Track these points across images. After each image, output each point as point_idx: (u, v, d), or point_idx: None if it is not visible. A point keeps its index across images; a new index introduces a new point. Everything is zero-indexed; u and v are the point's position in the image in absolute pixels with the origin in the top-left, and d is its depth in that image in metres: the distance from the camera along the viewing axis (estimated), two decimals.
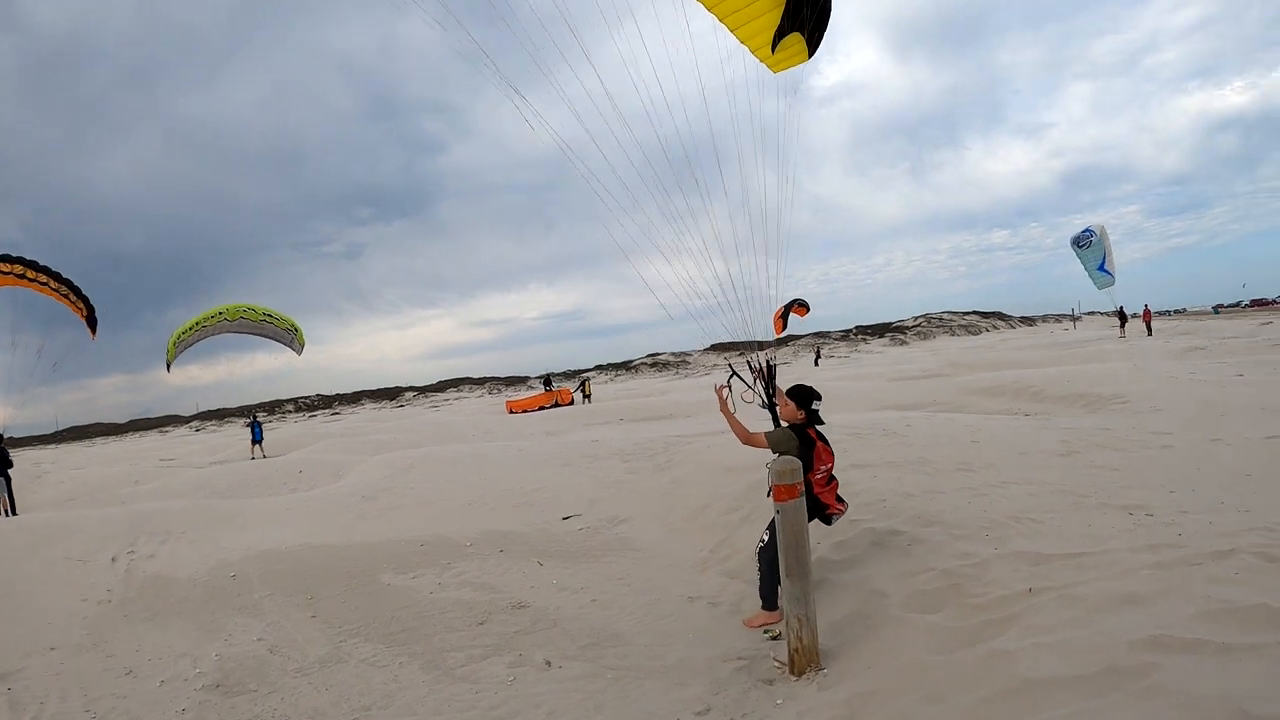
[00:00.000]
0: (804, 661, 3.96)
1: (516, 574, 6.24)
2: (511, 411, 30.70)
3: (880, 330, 61.67)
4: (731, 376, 5.12)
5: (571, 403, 31.93)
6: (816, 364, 41.84)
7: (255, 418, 25.61)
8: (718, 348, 62.81)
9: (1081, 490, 5.51)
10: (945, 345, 47.86)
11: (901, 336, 58.34)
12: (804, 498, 4.06)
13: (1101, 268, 29.44)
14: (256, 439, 22.59)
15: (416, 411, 46.08)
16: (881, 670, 3.71)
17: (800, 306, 37.56)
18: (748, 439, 4.57)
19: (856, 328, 63.39)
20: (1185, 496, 5.13)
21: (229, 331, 16.48)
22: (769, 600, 4.62)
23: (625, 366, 62.07)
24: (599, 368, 61.01)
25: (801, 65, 5.13)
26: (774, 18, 4.86)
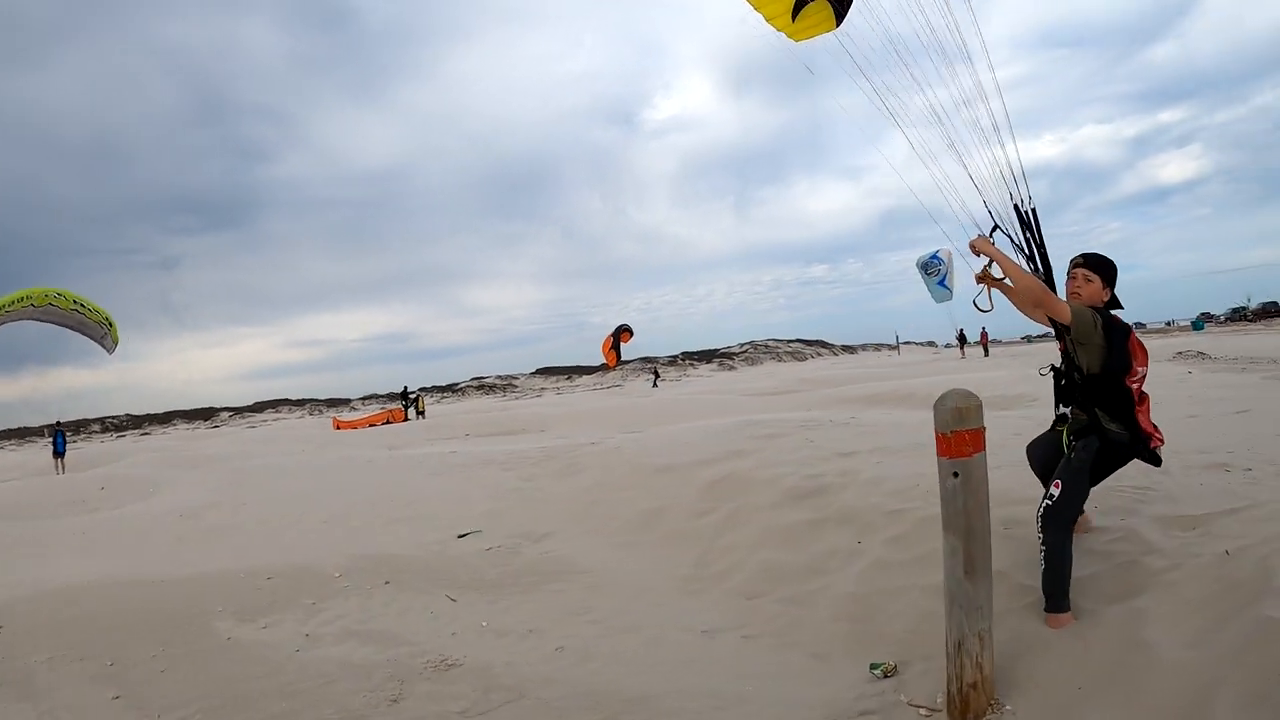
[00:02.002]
0: (981, 701, 2.49)
1: (421, 615, 4.23)
2: (339, 429, 27.10)
3: (708, 356, 62.39)
4: (995, 229, 3.38)
5: (405, 419, 28.88)
6: (655, 385, 41.43)
7: (59, 425, 22.29)
8: (544, 371, 61.99)
9: None
10: (776, 370, 49.76)
11: (729, 362, 59.26)
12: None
13: (942, 283, 31.04)
14: (59, 451, 19.69)
15: (235, 431, 40.65)
16: (1099, 689, 2.34)
17: (625, 332, 37.16)
18: (1043, 298, 2.93)
19: (683, 353, 63.70)
20: None
21: (34, 319, 12.99)
22: (1058, 595, 2.84)
23: (451, 389, 59.26)
24: (424, 390, 57.57)
25: (824, 36, 4.35)
26: None
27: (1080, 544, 3.06)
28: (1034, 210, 3.39)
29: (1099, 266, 3.04)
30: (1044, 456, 3.14)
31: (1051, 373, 3.16)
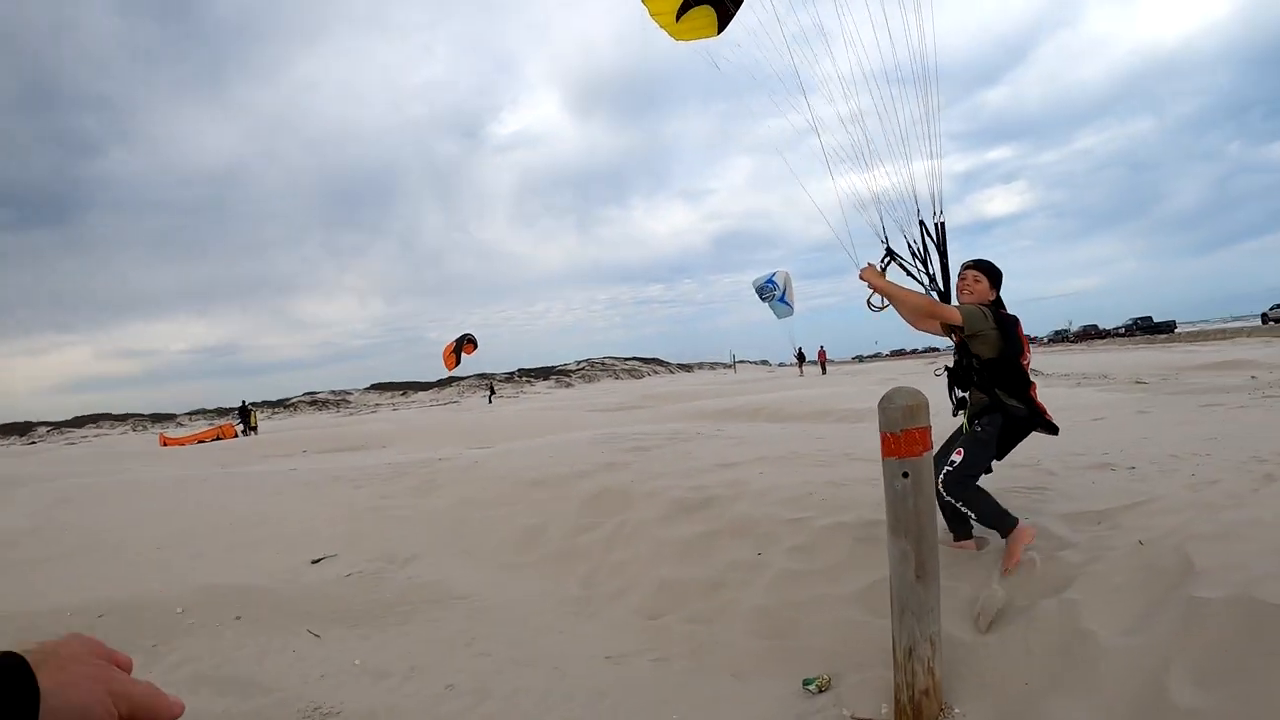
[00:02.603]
0: (933, 708, 2.40)
1: (283, 656, 3.56)
2: (166, 445, 23.79)
3: (545, 373, 62.35)
4: (887, 259, 3.67)
5: (236, 436, 25.94)
6: (490, 400, 40.31)
7: None
8: (379, 387, 58.90)
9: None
10: (615, 386, 50.16)
11: (567, 379, 59.41)
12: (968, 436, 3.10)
13: (782, 299, 32.41)
14: None
15: (53, 448, 34.66)
16: (1049, 683, 2.35)
17: (469, 343, 36.09)
18: (933, 310, 3.32)
19: (520, 370, 63.40)
20: None
21: None
22: (1001, 519, 3.11)
23: (283, 405, 54.85)
24: (254, 405, 53.23)
25: (708, 40, 4.47)
26: None
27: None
28: (942, 225, 3.61)
29: (986, 270, 3.44)
30: (945, 455, 3.32)
31: (946, 373, 3.48)
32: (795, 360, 37.96)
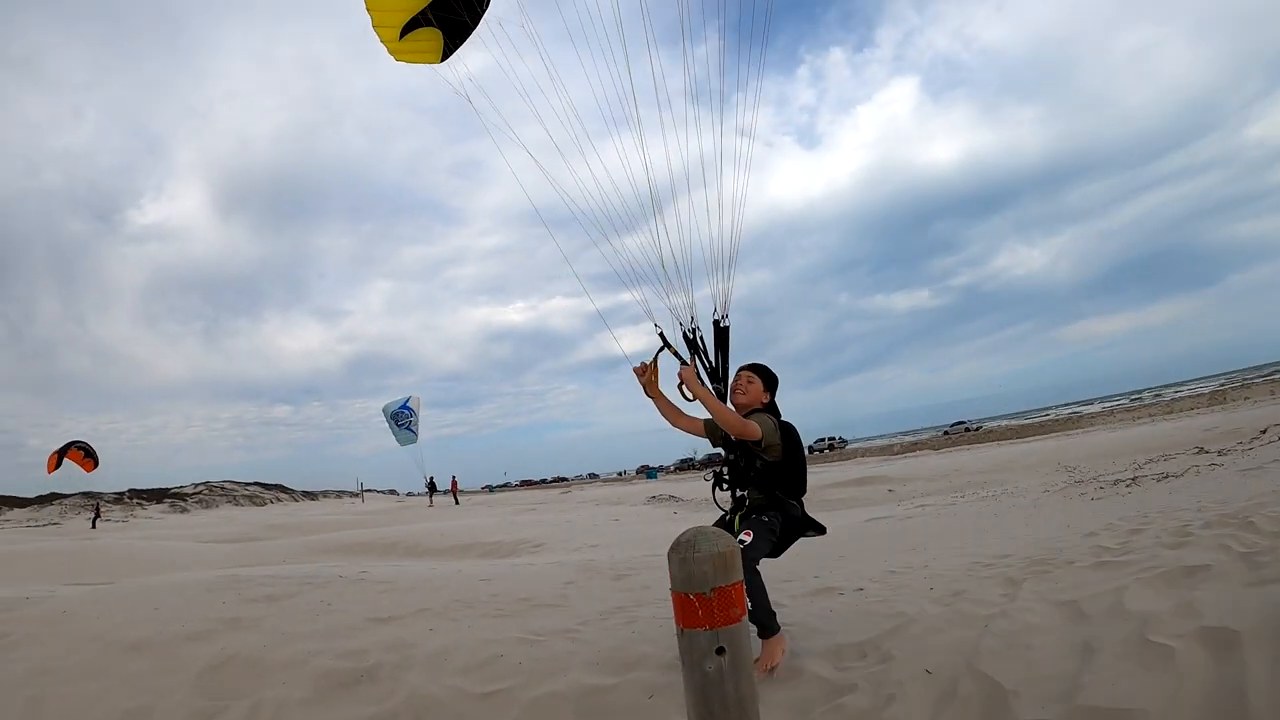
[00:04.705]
0: None
1: None
2: None
3: (159, 495, 55.09)
4: (662, 349, 3.69)
5: None
6: (94, 525, 33.69)
7: None
8: None
9: None
10: (235, 514, 42.97)
11: (182, 503, 52.62)
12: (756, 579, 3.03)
13: (409, 428, 32.20)
14: None
15: None
16: None
17: (77, 450, 31.74)
18: (742, 429, 3.23)
19: (131, 490, 55.10)
20: None
21: None
22: (771, 619, 3.13)
23: None
24: None
25: (428, 65, 4.43)
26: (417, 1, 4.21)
27: (768, 701, 2.61)
28: (726, 327, 3.67)
29: (761, 372, 3.54)
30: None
31: (713, 477, 3.54)
32: (426, 490, 36.22)
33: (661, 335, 3.69)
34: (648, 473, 63.75)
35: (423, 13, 4.22)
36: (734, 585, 1.80)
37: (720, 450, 3.56)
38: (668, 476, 56.43)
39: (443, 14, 4.22)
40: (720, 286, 3.63)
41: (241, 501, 56.31)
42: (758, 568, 3.11)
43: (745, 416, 3.35)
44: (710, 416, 3.42)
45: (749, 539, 3.11)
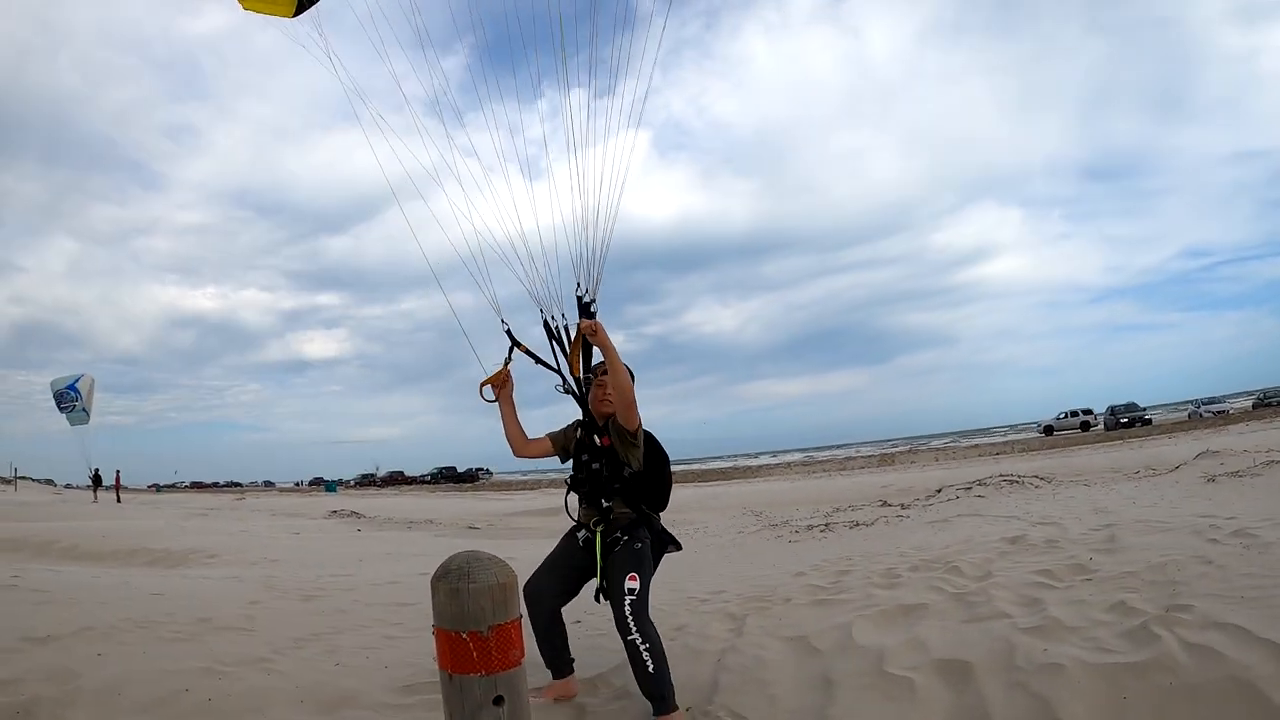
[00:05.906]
0: None
1: None
2: None
3: None
4: (514, 348, 3.20)
5: None
6: None
7: None
8: None
9: None
10: None
11: None
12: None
13: (76, 409, 29.08)
14: None
15: None
16: None
17: None
18: (631, 410, 2.92)
19: None
20: None
21: None
22: (672, 690, 2.71)
23: None
24: None
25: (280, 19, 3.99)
26: None
27: None
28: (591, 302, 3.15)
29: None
30: (563, 579, 3.00)
31: (569, 482, 3.11)
32: (90, 483, 31.60)
33: (510, 333, 3.20)
34: (326, 485, 59.92)
35: None
36: (512, 622, 1.46)
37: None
38: (348, 491, 53.34)
39: None
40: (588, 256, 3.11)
41: None
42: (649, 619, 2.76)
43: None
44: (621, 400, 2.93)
45: (637, 585, 2.74)
